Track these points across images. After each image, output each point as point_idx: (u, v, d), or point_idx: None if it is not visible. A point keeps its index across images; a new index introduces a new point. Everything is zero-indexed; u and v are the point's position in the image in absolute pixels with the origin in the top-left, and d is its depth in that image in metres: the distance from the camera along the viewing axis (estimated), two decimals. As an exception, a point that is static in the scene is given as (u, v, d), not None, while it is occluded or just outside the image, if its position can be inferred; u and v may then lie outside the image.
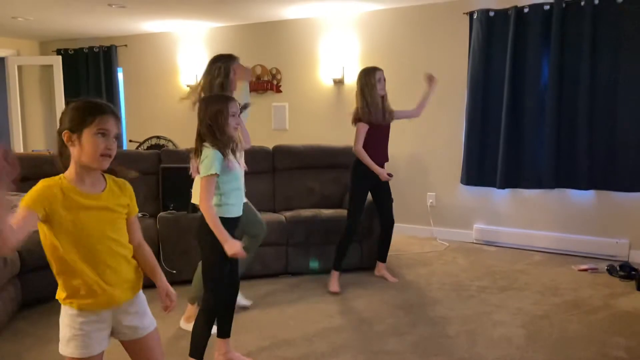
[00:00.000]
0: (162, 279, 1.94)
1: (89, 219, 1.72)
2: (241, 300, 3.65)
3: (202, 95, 3.10)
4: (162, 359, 1.93)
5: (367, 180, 3.97)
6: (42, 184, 1.68)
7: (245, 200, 3.46)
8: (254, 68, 6.35)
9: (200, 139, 2.53)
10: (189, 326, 3.19)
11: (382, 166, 4.01)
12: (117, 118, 1.75)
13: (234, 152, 2.56)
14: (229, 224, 2.55)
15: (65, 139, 1.69)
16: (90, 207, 1.72)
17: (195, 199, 2.65)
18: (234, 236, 2.51)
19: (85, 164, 1.70)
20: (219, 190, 2.54)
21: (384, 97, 3.95)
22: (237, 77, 3.18)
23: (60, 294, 1.75)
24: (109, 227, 1.77)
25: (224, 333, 2.82)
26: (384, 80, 3.94)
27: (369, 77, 3.87)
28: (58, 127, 1.75)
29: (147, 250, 1.95)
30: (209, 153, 2.47)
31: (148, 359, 1.89)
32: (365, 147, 3.91)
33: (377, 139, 3.96)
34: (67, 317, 1.75)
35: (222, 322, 2.82)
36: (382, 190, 4.11)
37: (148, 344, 1.88)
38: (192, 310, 3.28)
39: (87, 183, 1.74)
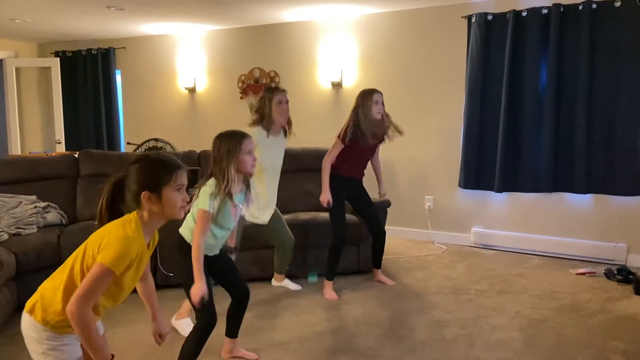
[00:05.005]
0: (159, 317, 2.01)
1: (135, 274, 1.76)
2: (291, 285, 4.06)
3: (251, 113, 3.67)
4: None
5: (340, 189, 3.93)
6: (129, 241, 1.64)
7: (274, 209, 3.74)
8: (252, 71, 6.36)
9: (210, 175, 2.54)
10: (177, 324, 3.19)
11: (354, 181, 4.01)
12: (187, 170, 1.79)
13: (244, 190, 2.59)
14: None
15: (145, 199, 1.69)
16: (141, 264, 1.76)
17: (183, 228, 2.64)
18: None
19: (167, 217, 1.76)
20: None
21: (383, 117, 3.89)
22: (277, 110, 3.63)
23: (51, 317, 1.69)
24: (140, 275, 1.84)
25: (232, 334, 2.86)
26: (382, 103, 3.87)
27: (366, 99, 3.83)
28: (129, 185, 1.73)
29: (151, 282, 2.02)
30: (207, 189, 2.49)
31: None
32: (342, 157, 3.89)
33: (357, 154, 3.94)
34: (45, 333, 1.71)
35: (231, 324, 2.84)
36: (360, 200, 4.09)
37: None
38: (186, 305, 3.23)
39: (149, 234, 1.77)
